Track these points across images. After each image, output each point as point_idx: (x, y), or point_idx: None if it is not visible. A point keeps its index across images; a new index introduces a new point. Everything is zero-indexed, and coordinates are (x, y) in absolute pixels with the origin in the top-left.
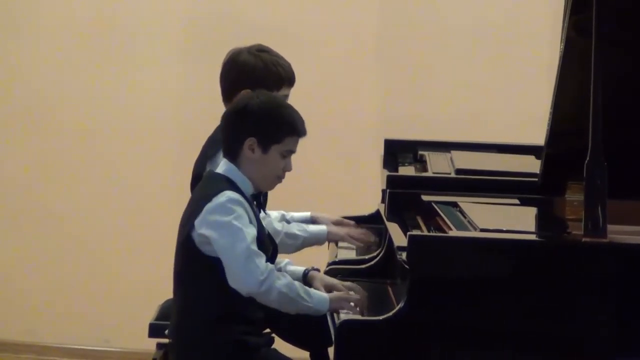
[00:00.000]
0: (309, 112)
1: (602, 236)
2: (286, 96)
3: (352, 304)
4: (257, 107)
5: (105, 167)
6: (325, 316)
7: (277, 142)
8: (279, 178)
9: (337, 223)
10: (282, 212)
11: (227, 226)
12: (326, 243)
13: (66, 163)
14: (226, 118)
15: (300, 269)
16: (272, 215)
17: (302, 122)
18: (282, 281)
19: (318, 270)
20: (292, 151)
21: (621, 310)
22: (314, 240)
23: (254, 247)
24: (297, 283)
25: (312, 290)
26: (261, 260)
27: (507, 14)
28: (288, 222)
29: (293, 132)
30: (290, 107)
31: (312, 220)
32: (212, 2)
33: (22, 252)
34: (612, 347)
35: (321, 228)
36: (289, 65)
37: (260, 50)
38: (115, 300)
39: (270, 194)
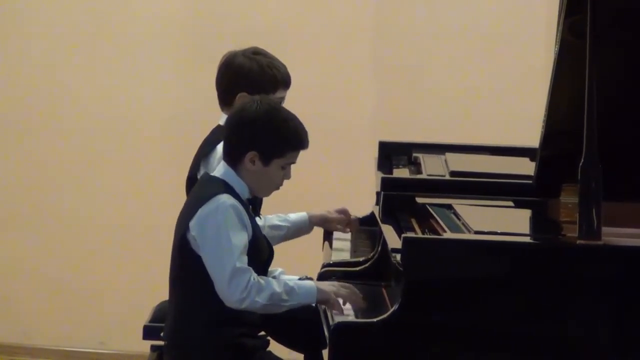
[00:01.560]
0: (303, 114)
1: (597, 238)
2: (282, 98)
3: (341, 300)
4: (262, 121)
5: (100, 169)
6: (319, 318)
7: (280, 156)
8: (277, 187)
9: (337, 212)
10: (279, 214)
11: (217, 238)
12: (321, 244)
13: (62, 164)
14: (229, 125)
15: (293, 278)
16: (268, 218)
17: (306, 133)
18: (264, 293)
19: (311, 279)
20: (293, 162)
21: (616, 312)
22: (298, 228)
23: (241, 262)
24: (282, 285)
25: (298, 284)
26: (245, 277)
27: (502, 16)
28: None
29: (297, 147)
30: (294, 120)
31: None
32: (208, 4)
33: (17, 253)
34: (607, 350)
35: (302, 215)
36: (285, 67)
37: (255, 53)
38: (109, 302)
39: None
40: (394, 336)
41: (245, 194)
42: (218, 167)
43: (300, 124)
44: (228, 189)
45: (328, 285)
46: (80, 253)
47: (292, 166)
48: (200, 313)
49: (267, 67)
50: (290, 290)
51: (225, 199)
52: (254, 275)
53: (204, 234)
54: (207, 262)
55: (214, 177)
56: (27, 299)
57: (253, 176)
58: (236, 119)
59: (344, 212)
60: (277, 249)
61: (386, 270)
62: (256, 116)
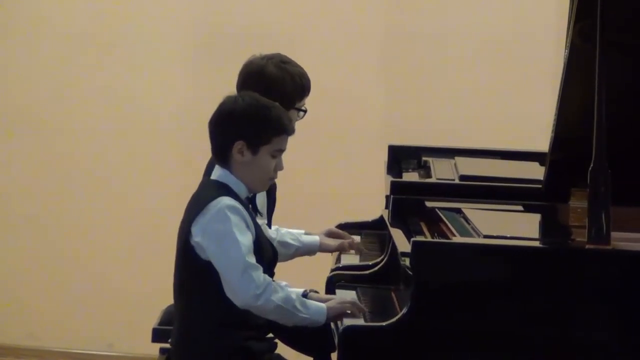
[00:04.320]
0: (313, 118)
1: (606, 243)
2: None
3: (349, 312)
4: (243, 110)
5: (108, 171)
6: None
7: (266, 143)
8: (271, 178)
9: (328, 234)
10: (291, 231)
11: (223, 237)
12: None
13: (69, 166)
14: (212, 124)
15: (299, 291)
16: (281, 233)
17: (289, 120)
18: (279, 294)
19: (317, 292)
20: (282, 150)
21: (625, 316)
22: (306, 250)
23: (250, 259)
24: (294, 294)
25: (309, 301)
26: (258, 273)
27: (512, 19)
28: None
29: (281, 131)
30: (276, 107)
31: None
32: (217, 7)
33: (24, 255)
34: (616, 354)
35: (314, 238)
36: (307, 74)
37: (283, 62)
38: (118, 304)
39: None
40: (403, 340)
41: (243, 192)
42: (214, 171)
43: (283, 110)
44: (226, 190)
45: (335, 304)
46: (88, 255)
47: (300, 169)
48: (206, 316)
49: (297, 76)
50: (303, 302)
51: (225, 201)
52: (267, 275)
53: (208, 237)
54: (216, 263)
55: (212, 181)
56: (35, 300)
57: (245, 169)
58: (216, 116)
59: (339, 234)
60: None
61: (395, 274)
62: (236, 107)
